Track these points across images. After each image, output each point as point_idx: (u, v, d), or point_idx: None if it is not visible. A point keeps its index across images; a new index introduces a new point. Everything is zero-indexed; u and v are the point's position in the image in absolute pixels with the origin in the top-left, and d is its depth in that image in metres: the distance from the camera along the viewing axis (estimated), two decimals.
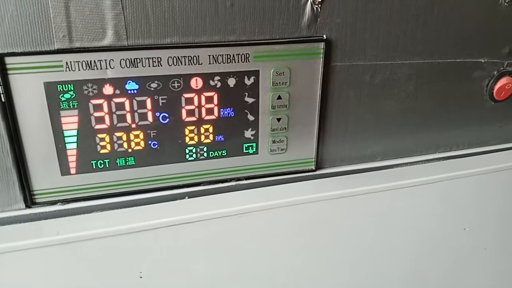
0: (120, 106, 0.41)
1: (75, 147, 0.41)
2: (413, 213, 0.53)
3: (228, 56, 0.42)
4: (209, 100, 0.43)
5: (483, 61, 0.52)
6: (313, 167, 0.50)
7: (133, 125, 0.42)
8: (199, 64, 0.42)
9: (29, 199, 0.42)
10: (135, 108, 0.41)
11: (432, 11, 0.47)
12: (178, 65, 0.41)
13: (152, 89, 0.41)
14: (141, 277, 0.44)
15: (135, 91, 0.41)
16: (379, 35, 0.46)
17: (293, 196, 0.48)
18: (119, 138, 0.42)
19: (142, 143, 0.43)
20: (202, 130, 0.44)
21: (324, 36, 0.44)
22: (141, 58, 0.40)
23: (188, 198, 0.46)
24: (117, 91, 0.40)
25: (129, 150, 0.43)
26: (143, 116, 0.42)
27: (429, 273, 0.58)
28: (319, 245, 0.51)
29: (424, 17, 0.47)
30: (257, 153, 0.47)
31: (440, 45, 0.49)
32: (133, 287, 0.44)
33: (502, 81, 0.53)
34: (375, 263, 0.54)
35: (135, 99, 0.41)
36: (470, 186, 0.54)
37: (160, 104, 0.42)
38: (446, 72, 0.51)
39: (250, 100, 0.44)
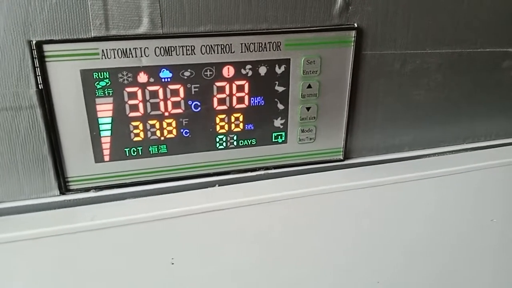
0: (154, 94, 0.41)
1: (109, 135, 0.42)
2: (440, 203, 0.53)
3: (260, 45, 0.42)
4: (240, 88, 0.43)
5: None
6: (341, 157, 0.50)
7: (166, 113, 0.42)
8: (231, 52, 0.42)
9: (64, 186, 0.43)
10: (168, 96, 0.42)
11: (463, 1, 0.47)
12: (211, 53, 0.41)
13: (185, 77, 0.41)
14: (172, 263, 0.44)
15: (169, 79, 0.41)
16: (410, 24, 0.46)
17: (321, 185, 0.48)
18: (152, 126, 0.43)
19: (174, 131, 0.43)
20: (233, 119, 0.45)
21: (355, 25, 0.44)
22: (175, 47, 0.40)
23: (219, 186, 0.46)
24: (151, 79, 0.41)
25: (162, 138, 0.43)
26: (176, 104, 0.42)
27: (456, 264, 0.58)
28: (346, 234, 0.51)
29: (454, 6, 0.47)
30: (286, 142, 0.48)
31: (470, 35, 0.49)
32: (165, 272, 0.44)
33: None
34: (402, 252, 0.54)
35: (168, 87, 0.41)
36: (498, 177, 0.54)
37: (193, 93, 0.42)
38: (475, 62, 0.50)
39: (280, 88, 0.45)
